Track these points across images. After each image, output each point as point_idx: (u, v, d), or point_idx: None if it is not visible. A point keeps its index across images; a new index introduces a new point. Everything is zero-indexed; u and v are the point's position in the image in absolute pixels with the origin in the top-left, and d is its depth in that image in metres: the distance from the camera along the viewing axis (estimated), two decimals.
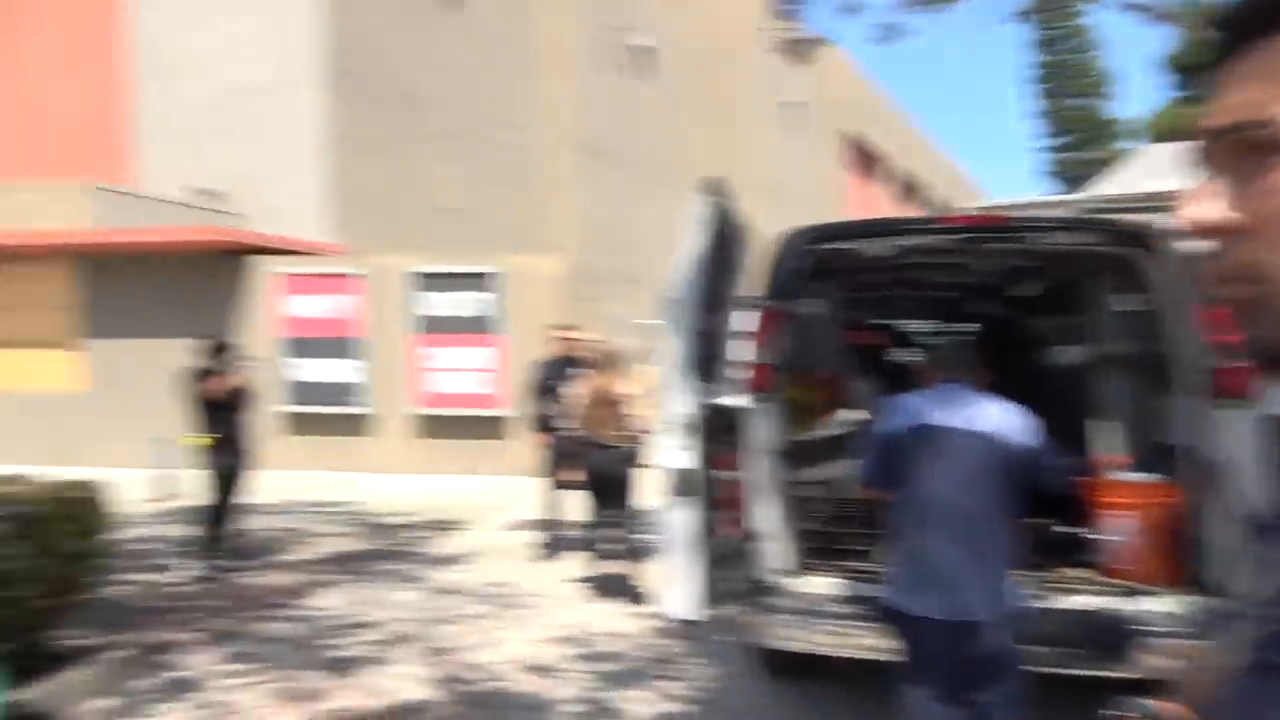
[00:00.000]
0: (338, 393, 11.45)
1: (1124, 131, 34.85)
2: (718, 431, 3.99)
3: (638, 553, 6.03)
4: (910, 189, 34.50)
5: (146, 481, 9.46)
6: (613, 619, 5.61)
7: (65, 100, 14.71)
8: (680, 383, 3.88)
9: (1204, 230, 0.66)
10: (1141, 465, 4.25)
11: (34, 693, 3.90)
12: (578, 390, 6.08)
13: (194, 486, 6.89)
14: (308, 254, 12.17)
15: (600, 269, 14.71)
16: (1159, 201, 6.70)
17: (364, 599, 6.05)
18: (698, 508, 3.85)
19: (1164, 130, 22.97)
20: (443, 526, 8.31)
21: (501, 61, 17.73)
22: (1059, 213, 8.88)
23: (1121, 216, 4.90)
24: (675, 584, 3.88)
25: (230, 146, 13.80)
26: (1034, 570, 3.74)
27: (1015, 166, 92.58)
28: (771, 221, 5.92)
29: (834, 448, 5.14)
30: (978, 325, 7.01)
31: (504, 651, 5.05)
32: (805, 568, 4.09)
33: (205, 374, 6.62)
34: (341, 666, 4.82)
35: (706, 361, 4.02)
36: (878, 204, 30.69)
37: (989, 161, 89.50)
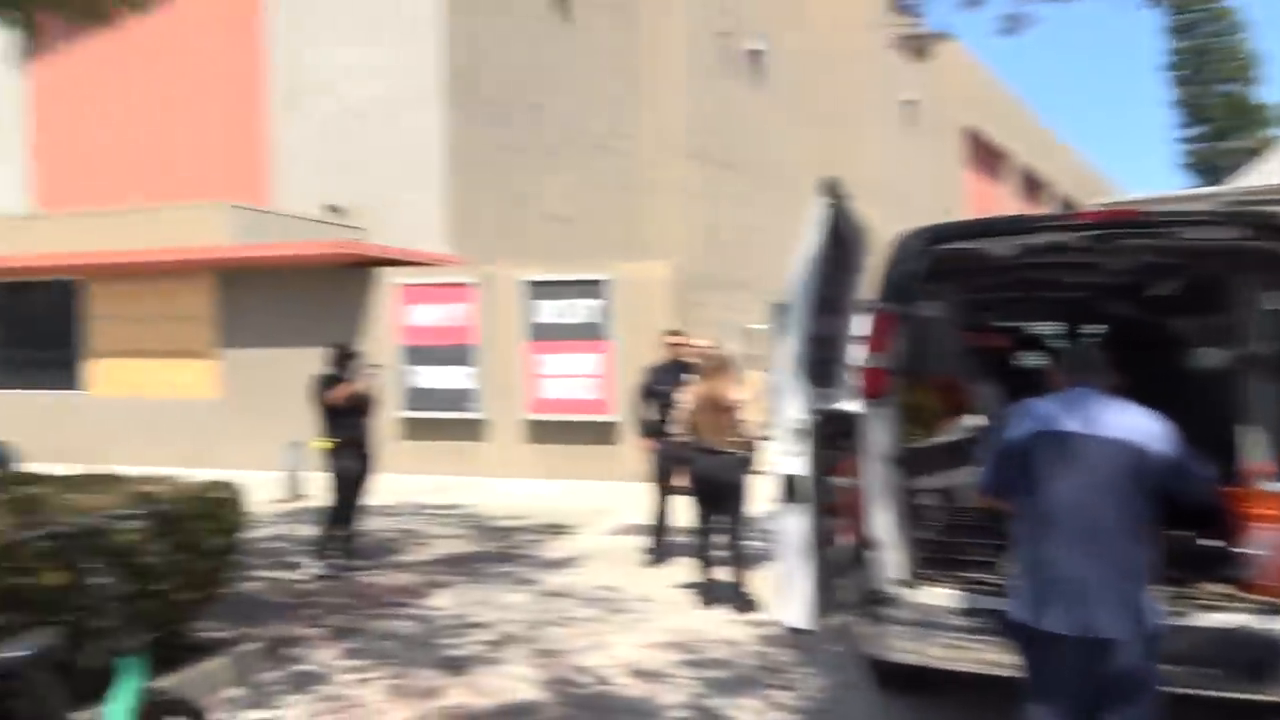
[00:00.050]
0: (453, 399, 11.76)
1: (1275, 118, 32.63)
2: (832, 437, 3.90)
3: (747, 559, 5.96)
4: (1034, 186, 33.20)
5: (275, 483, 9.91)
6: (721, 626, 5.55)
7: (208, 126, 15.65)
8: (794, 387, 3.82)
9: None
10: None
11: (172, 681, 4.12)
12: (687, 396, 6.05)
13: (320, 488, 7.18)
14: (427, 265, 12.56)
15: (709, 274, 14.67)
16: None
17: (476, 599, 6.17)
18: (810, 515, 3.78)
19: None
20: (553, 530, 8.41)
21: (613, 71, 17.92)
22: (1201, 207, 8.37)
23: (1274, 209, 4.58)
24: (788, 592, 3.81)
25: (355, 163, 14.40)
26: (1171, 585, 3.53)
27: (1149, 160, 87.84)
28: (888, 223, 5.77)
29: (954, 454, 4.96)
30: (1107, 327, 6.67)
31: (612, 655, 5.06)
32: (922, 578, 3.96)
33: (332, 381, 6.88)
34: (454, 665, 4.92)
35: (822, 366, 3.95)
36: (1000, 202, 29.66)
37: (1120, 156, 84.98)
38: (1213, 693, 3.30)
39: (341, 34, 14.55)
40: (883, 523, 3.93)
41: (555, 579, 6.72)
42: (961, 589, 3.85)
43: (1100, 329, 6.73)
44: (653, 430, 7.01)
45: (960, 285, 5.32)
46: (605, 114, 17.59)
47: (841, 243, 4.05)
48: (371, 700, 4.46)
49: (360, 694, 4.53)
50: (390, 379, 10.82)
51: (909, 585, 3.90)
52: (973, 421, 5.33)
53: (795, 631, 3.90)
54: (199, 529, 4.48)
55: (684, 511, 6.46)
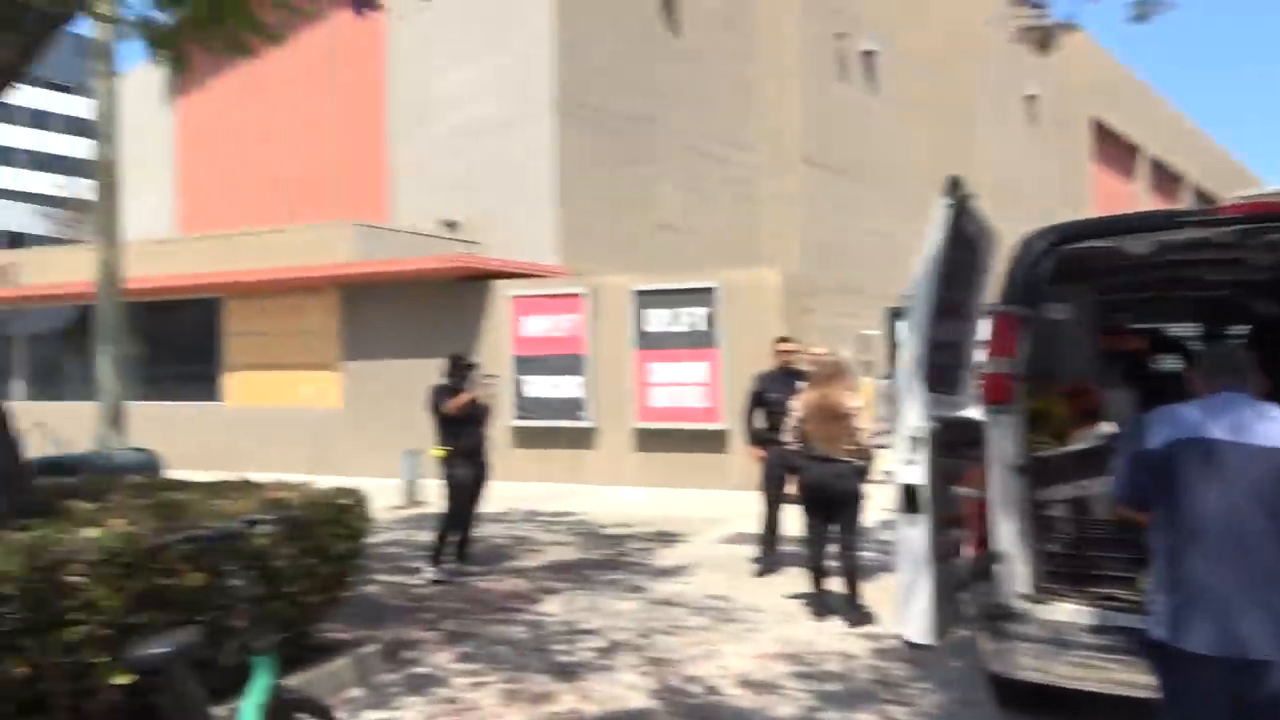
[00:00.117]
0: (564, 407, 11.91)
1: None
2: (954, 445, 3.76)
3: (860, 570, 5.80)
4: (1168, 180, 31.47)
5: (394, 490, 10.23)
6: (834, 638, 5.42)
7: (333, 149, 16.40)
8: (914, 394, 3.70)
9: None
10: None
11: (299, 680, 4.27)
12: (798, 403, 5.95)
13: (436, 495, 7.36)
14: (539, 276, 12.79)
15: (822, 280, 14.44)
16: None
17: (587, 606, 6.20)
18: (931, 525, 3.65)
19: None
20: (662, 538, 8.40)
21: (724, 79, 17.88)
22: None
23: None
24: (908, 605, 3.68)
25: (469, 179, 14.83)
26: None
27: None
28: (1013, 223, 5.54)
29: (1085, 463, 4.72)
30: (1251, 327, 6.24)
31: (723, 665, 5.00)
32: (1050, 592, 3.77)
33: (448, 391, 7.06)
34: (566, 671, 4.94)
35: (944, 371, 3.81)
36: (1131, 199, 28.22)
37: (1264, 145, 79.62)
38: None
39: (457, 56, 15.02)
40: (1008, 534, 3.76)
41: (664, 587, 6.69)
42: (1092, 605, 3.68)
43: (1244, 329, 6.32)
44: (762, 438, 6.92)
45: (1091, 286, 5.09)
46: (717, 123, 17.57)
47: (966, 244, 3.91)
48: (486, 704, 4.52)
49: (475, 697, 4.60)
50: (504, 388, 11.05)
51: (1036, 600, 3.74)
52: (1106, 429, 5.06)
53: (914, 646, 3.77)
54: (326, 534, 4.63)
55: (794, 520, 6.34)
